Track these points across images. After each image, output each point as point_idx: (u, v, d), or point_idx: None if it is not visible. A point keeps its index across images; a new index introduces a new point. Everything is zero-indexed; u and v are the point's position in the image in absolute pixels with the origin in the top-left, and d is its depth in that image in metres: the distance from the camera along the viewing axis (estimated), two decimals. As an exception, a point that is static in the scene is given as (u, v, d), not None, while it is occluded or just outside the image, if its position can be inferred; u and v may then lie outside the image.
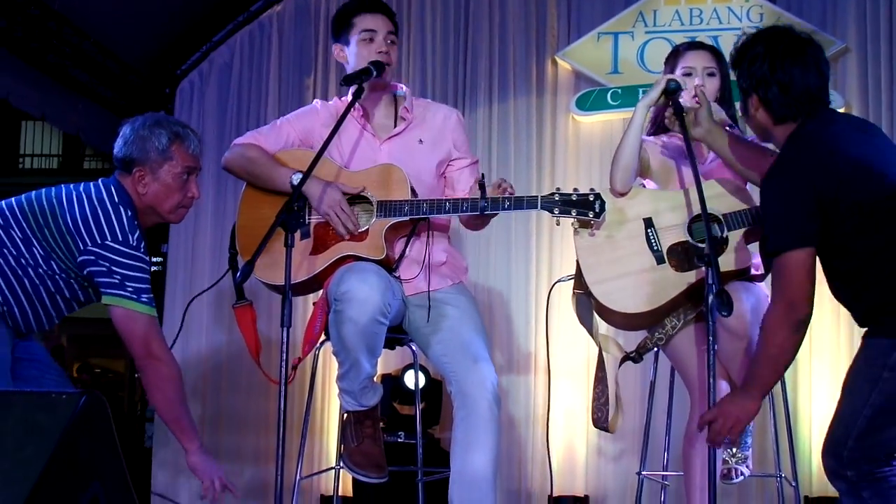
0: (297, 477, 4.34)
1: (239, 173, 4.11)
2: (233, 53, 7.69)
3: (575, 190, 3.81)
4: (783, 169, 3.29)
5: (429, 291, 3.95)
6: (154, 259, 8.11)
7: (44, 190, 3.80)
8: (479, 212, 3.79)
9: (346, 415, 3.94)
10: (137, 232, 3.72)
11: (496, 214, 3.95)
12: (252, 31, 7.68)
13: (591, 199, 3.77)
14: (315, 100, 4.34)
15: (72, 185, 3.80)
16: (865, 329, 3.24)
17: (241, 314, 3.87)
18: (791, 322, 3.18)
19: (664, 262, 3.88)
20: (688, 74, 4.04)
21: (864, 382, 3.11)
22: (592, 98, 6.81)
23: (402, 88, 4.19)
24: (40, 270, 3.71)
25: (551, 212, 3.78)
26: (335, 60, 7.19)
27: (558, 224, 3.89)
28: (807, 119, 3.34)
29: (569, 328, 5.84)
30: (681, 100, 3.85)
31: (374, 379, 3.88)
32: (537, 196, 3.81)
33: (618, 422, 4.05)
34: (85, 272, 3.68)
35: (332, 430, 6.65)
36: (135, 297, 3.68)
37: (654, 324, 3.91)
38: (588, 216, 3.77)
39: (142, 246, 3.72)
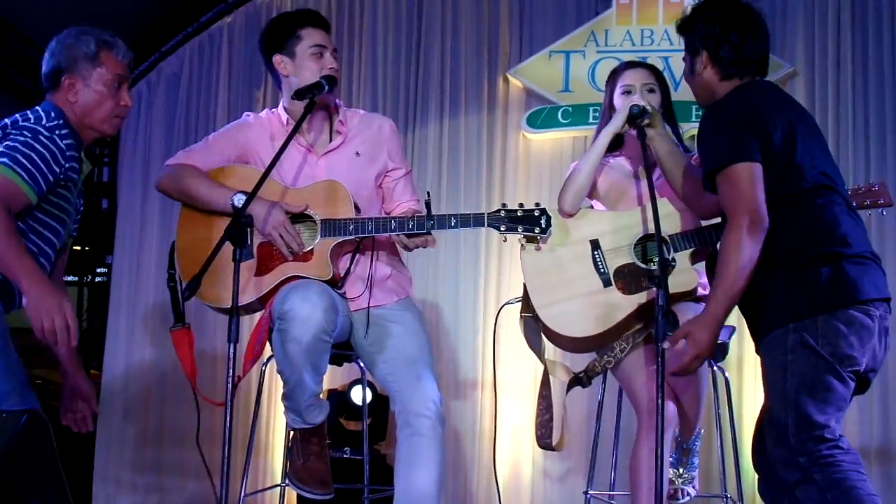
0: (242, 494, 4.31)
1: (174, 195, 4.03)
2: (182, 64, 7.62)
3: (520, 205, 3.82)
4: (724, 103, 3.41)
5: (368, 308, 3.93)
6: (99, 270, 8.02)
7: None
8: (426, 230, 3.78)
9: (292, 432, 3.91)
10: (59, 121, 3.47)
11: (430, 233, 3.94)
12: (202, 42, 7.60)
13: (537, 214, 3.78)
14: (245, 113, 4.27)
15: None
16: (756, 335, 3.36)
17: (178, 338, 3.76)
18: (755, 232, 3.18)
19: (611, 285, 3.90)
20: (627, 92, 4.13)
21: (777, 374, 3.21)
22: (543, 116, 6.80)
23: (336, 100, 4.14)
24: None
25: (498, 229, 3.78)
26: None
27: (505, 241, 3.89)
28: (752, 80, 3.49)
29: (516, 347, 5.83)
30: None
31: (320, 395, 3.85)
32: (483, 213, 3.82)
33: (564, 441, 4.04)
34: None
35: (278, 446, 6.60)
36: (3, 159, 3.31)
37: (603, 347, 3.92)
38: (534, 232, 3.78)
39: (57, 131, 3.43)
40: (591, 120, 6.56)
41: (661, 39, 6.69)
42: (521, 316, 4.05)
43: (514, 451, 6.51)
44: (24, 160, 3.32)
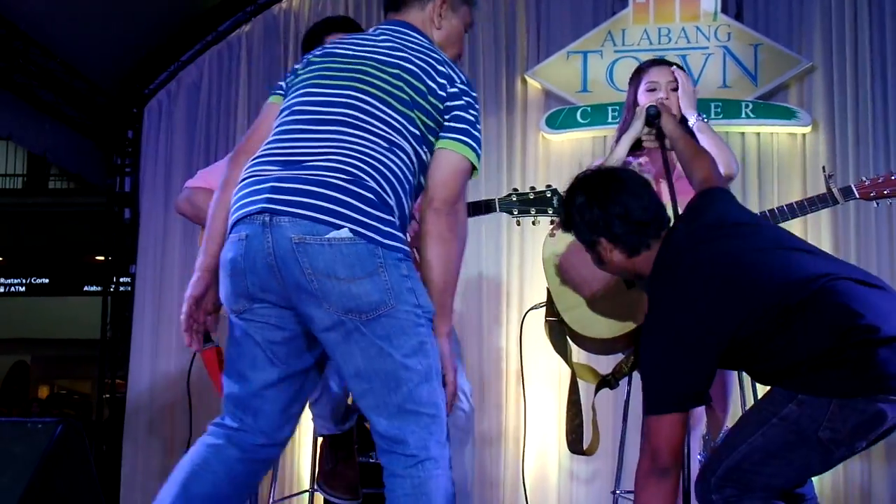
0: (271, 499, 4.32)
1: (192, 219, 4.04)
2: (201, 73, 7.69)
3: (532, 188, 3.83)
4: (663, 320, 3.08)
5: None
6: (122, 279, 8.07)
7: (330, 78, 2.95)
8: None
9: (320, 438, 3.93)
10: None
11: None
12: (220, 51, 7.68)
13: (549, 195, 3.82)
14: None
15: (357, 49, 2.99)
16: (768, 380, 3.12)
17: (208, 357, 3.72)
18: (655, 471, 3.05)
19: (634, 286, 3.82)
20: (652, 90, 4.08)
21: (753, 421, 3.03)
22: (562, 116, 6.82)
23: None
24: (406, 149, 2.87)
25: (510, 213, 3.82)
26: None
27: (518, 224, 3.89)
28: (662, 244, 3.21)
29: (540, 352, 5.83)
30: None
31: (348, 401, 3.85)
32: (494, 199, 3.84)
33: (595, 445, 4.03)
34: (448, 116, 2.91)
35: (306, 451, 6.62)
36: (475, 145, 2.92)
37: (629, 348, 3.88)
38: (548, 212, 3.79)
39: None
40: (609, 119, 6.57)
41: (679, 37, 6.71)
42: (546, 320, 4.01)
43: (540, 454, 6.53)
44: (478, 135, 2.96)
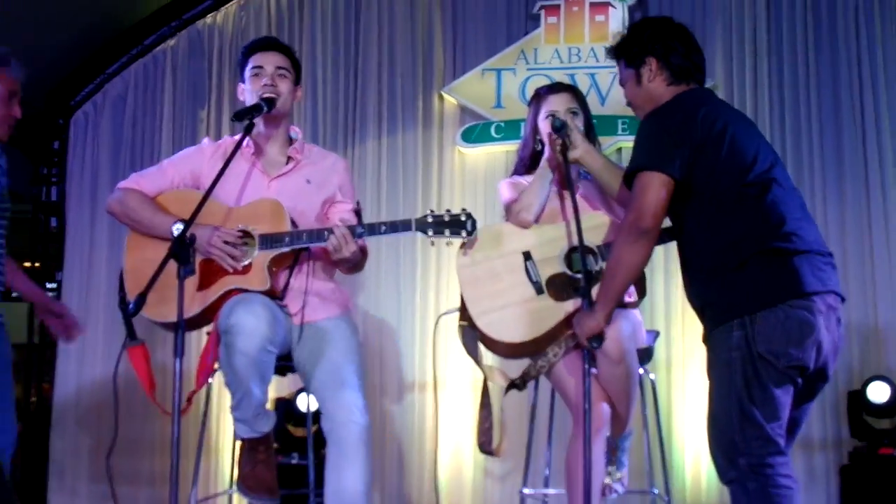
0: (193, 501, 4.44)
1: (121, 218, 4.15)
2: (127, 86, 7.72)
3: (447, 211, 3.95)
4: (664, 109, 3.49)
5: (302, 325, 4.01)
6: (49, 285, 8.11)
7: None
8: (357, 237, 3.91)
9: (239, 441, 4.03)
10: None
11: (366, 258, 4.15)
12: (146, 64, 7.72)
13: (463, 218, 3.91)
14: (204, 138, 4.39)
15: None
16: (705, 328, 3.42)
17: (134, 354, 3.82)
18: (634, 231, 3.36)
19: (543, 293, 4.01)
20: (552, 115, 4.20)
21: (721, 372, 3.28)
22: (477, 131, 7.00)
23: (296, 132, 4.29)
24: None
25: (425, 233, 3.90)
26: (228, 93, 7.35)
27: (433, 244, 4.02)
28: (690, 88, 3.58)
29: (455, 355, 6.01)
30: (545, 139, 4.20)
31: (267, 405, 3.96)
32: (411, 219, 3.92)
33: (503, 446, 4.14)
34: None
35: (227, 452, 6.72)
36: None
37: (537, 352, 4.00)
38: (461, 234, 3.91)
39: None
40: (521, 134, 6.73)
41: (588, 57, 6.90)
42: (459, 325, 4.13)
43: (455, 452, 6.68)
44: None
